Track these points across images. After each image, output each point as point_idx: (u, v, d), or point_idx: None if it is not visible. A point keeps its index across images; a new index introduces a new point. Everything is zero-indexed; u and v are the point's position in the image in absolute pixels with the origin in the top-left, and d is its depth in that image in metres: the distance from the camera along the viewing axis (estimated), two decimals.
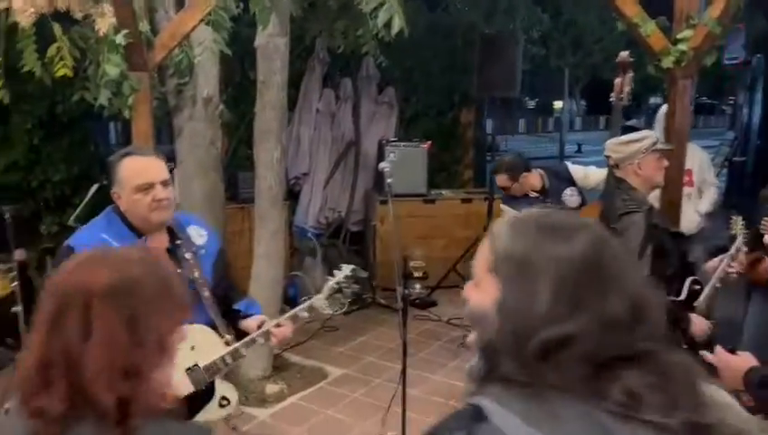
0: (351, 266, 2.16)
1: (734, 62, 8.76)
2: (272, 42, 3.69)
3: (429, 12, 6.39)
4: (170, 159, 3.86)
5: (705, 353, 1.86)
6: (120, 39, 2.94)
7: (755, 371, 1.72)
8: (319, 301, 2.10)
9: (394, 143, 5.59)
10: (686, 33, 3.57)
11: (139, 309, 1.03)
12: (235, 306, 2.20)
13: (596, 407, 0.82)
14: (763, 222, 3.07)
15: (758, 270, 3.41)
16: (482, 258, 0.97)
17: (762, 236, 3.14)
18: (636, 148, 2.59)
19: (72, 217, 3.51)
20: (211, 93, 3.83)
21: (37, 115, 4.74)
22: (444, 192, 6.04)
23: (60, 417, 0.98)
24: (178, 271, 1.98)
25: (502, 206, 4.12)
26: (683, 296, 2.61)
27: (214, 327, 2.04)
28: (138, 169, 1.98)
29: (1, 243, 3.72)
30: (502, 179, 3.96)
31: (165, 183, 1.98)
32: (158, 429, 1.02)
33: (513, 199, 3.94)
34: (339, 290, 2.12)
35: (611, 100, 3.19)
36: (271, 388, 3.94)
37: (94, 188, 3.53)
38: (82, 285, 1.02)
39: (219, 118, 3.92)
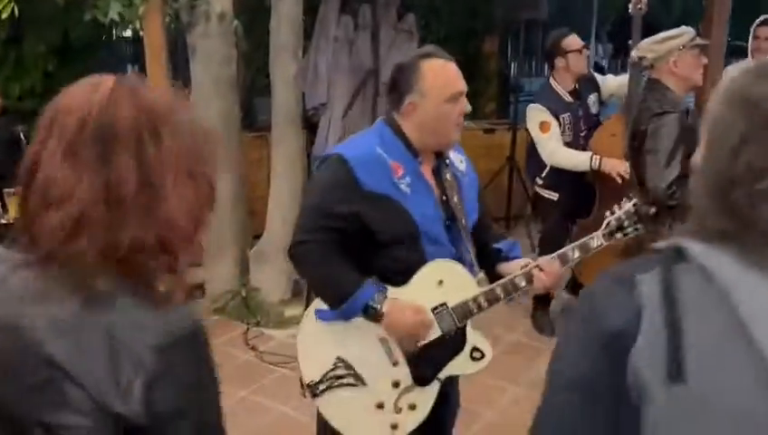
0: (633, 201, 1.84)
1: None
2: None
3: None
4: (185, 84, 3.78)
5: None
6: None
7: None
8: (596, 240, 1.80)
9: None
10: None
11: (197, 147, 0.87)
12: (495, 245, 1.93)
13: None
14: None
15: None
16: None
17: None
18: (673, 45, 2.44)
19: None
20: (225, 9, 3.70)
21: (51, 41, 4.67)
22: (466, 122, 5.88)
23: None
24: (444, 197, 1.82)
25: (534, 107, 3.68)
26: None
27: (464, 263, 1.81)
28: (449, 75, 1.73)
29: (16, 165, 3.70)
30: (574, 41, 3.61)
31: None
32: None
33: (549, 100, 3.67)
34: (619, 228, 1.81)
35: (630, 11, 3.08)
36: (290, 311, 3.94)
37: None
38: (144, 109, 0.84)
39: (234, 35, 3.80)
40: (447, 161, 1.85)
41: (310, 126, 5.83)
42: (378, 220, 1.72)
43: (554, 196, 3.72)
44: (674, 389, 0.72)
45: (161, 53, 3.17)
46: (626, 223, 1.80)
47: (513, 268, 1.84)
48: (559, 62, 3.61)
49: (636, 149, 2.55)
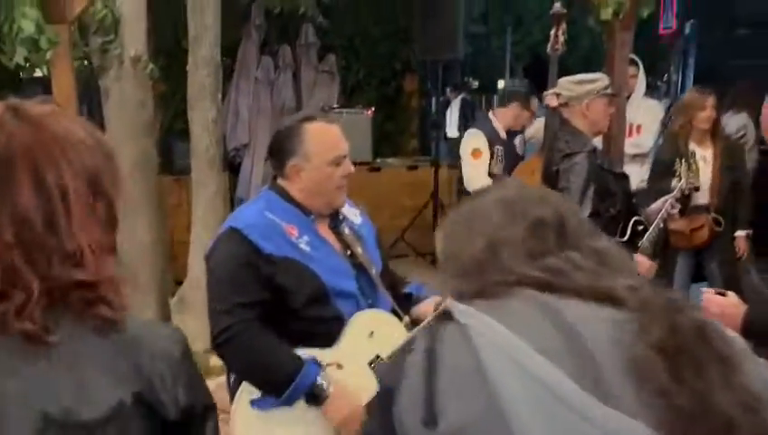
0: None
1: (669, 31, 9.03)
2: None
3: None
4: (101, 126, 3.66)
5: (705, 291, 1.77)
6: None
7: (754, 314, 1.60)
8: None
9: (336, 110, 5.47)
10: None
11: (99, 168, 0.84)
12: (404, 291, 1.95)
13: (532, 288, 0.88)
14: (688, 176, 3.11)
15: (694, 234, 3.51)
16: None
17: (689, 194, 3.20)
18: (588, 88, 2.56)
19: None
20: (139, 52, 3.61)
21: None
22: (389, 160, 5.97)
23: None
24: (348, 251, 1.79)
25: (474, 132, 3.82)
26: (627, 237, 2.61)
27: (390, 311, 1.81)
28: (332, 139, 1.73)
29: None
30: (515, 109, 3.81)
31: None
32: (136, 324, 0.86)
33: (486, 129, 3.79)
34: None
35: (548, 51, 3.23)
36: (215, 360, 3.80)
37: None
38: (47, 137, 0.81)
39: (150, 79, 3.72)
40: (341, 217, 1.84)
41: (232, 168, 5.77)
42: (289, 283, 1.68)
43: None
44: (430, 433, 0.80)
45: (71, 98, 3.05)
46: None
47: (427, 308, 1.84)
48: (516, 108, 3.82)
49: (550, 189, 2.64)
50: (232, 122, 5.63)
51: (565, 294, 0.86)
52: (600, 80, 2.63)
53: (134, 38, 3.61)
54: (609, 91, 2.61)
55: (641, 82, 4.27)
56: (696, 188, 3.33)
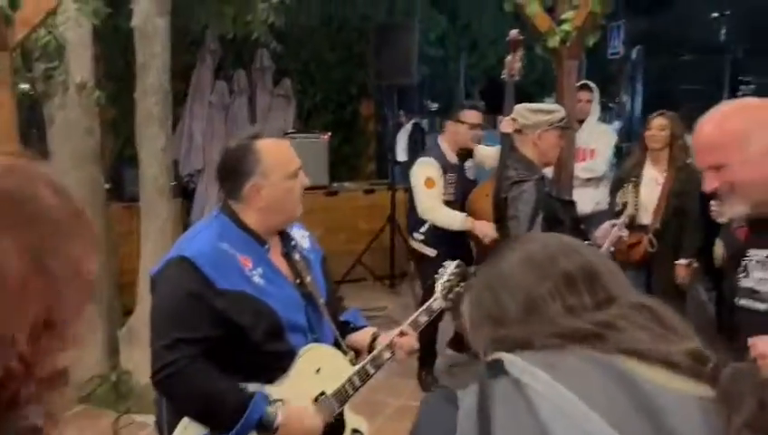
0: (456, 262, 1.93)
1: (616, 56, 9.34)
2: (150, 22, 3.47)
3: (324, 3, 6.30)
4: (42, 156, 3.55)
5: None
6: None
7: None
8: (437, 302, 1.88)
9: (292, 135, 5.44)
10: (569, 13, 3.68)
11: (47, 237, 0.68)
12: (343, 318, 1.91)
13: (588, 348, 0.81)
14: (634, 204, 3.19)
15: (631, 250, 3.59)
16: None
17: (634, 218, 3.29)
18: (543, 119, 2.60)
19: None
20: (85, 79, 3.54)
21: None
22: (346, 184, 5.95)
23: None
24: (298, 280, 1.74)
25: (425, 160, 3.72)
26: None
27: (332, 343, 1.78)
28: (286, 152, 1.70)
29: None
30: (473, 116, 3.76)
31: None
32: None
33: (438, 157, 3.74)
34: (450, 289, 1.90)
35: (503, 77, 3.23)
36: None
37: None
38: None
39: (96, 106, 3.64)
40: (293, 242, 1.80)
41: (186, 194, 5.67)
42: (244, 320, 1.62)
43: (433, 252, 3.70)
44: None
45: (12, 126, 2.95)
46: (456, 282, 1.90)
47: (362, 338, 1.85)
48: (451, 126, 3.73)
49: (500, 216, 2.66)
50: (186, 147, 5.55)
51: (627, 356, 0.78)
52: (556, 112, 2.67)
53: (80, 64, 3.54)
54: (563, 124, 2.64)
55: (596, 108, 4.36)
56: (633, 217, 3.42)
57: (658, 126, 3.60)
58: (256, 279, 1.66)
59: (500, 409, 0.76)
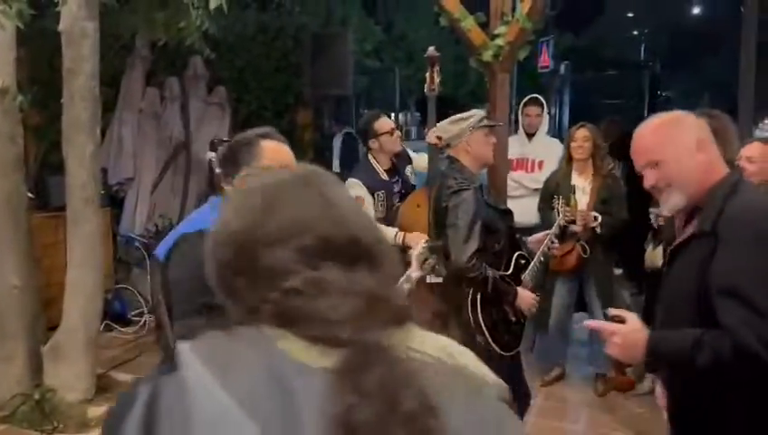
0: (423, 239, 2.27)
1: (546, 70, 9.74)
2: (78, 25, 3.35)
3: (260, 12, 6.25)
4: None
5: (593, 324, 1.75)
6: None
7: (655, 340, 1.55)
8: (415, 272, 2.16)
9: (227, 143, 5.35)
10: (502, 28, 3.81)
11: None
12: None
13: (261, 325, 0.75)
14: (565, 212, 3.32)
15: (564, 259, 3.73)
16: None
17: (565, 227, 3.42)
18: (464, 126, 2.66)
19: None
20: (7, 83, 3.38)
21: None
22: None
23: None
24: None
25: (351, 181, 3.63)
26: (510, 271, 2.71)
27: None
28: (284, 158, 1.79)
29: None
30: (385, 123, 3.70)
31: None
32: None
33: (366, 175, 3.73)
34: (425, 259, 2.21)
35: (426, 93, 3.33)
36: (94, 411, 3.55)
37: None
38: None
39: (19, 111, 3.48)
40: None
41: (115, 202, 5.49)
42: None
43: None
44: None
45: None
46: (427, 254, 2.23)
47: None
48: (372, 143, 3.69)
49: (439, 225, 2.71)
50: (115, 155, 5.38)
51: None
52: (473, 115, 2.74)
53: (2, 68, 3.39)
54: (484, 123, 2.72)
55: (545, 121, 4.49)
56: (573, 222, 3.54)
57: (582, 137, 3.77)
58: None
59: (163, 407, 0.70)
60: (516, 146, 4.50)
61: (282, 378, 0.69)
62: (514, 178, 4.35)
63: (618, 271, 6.29)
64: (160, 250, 1.81)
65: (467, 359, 0.79)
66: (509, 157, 4.40)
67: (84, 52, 3.40)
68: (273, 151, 1.79)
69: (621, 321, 1.60)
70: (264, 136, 1.83)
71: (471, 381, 0.75)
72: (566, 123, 9.34)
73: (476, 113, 2.78)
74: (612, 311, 1.66)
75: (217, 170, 1.93)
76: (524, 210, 3.97)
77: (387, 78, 14.25)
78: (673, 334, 1.58)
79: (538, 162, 4.36)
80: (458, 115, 2.75)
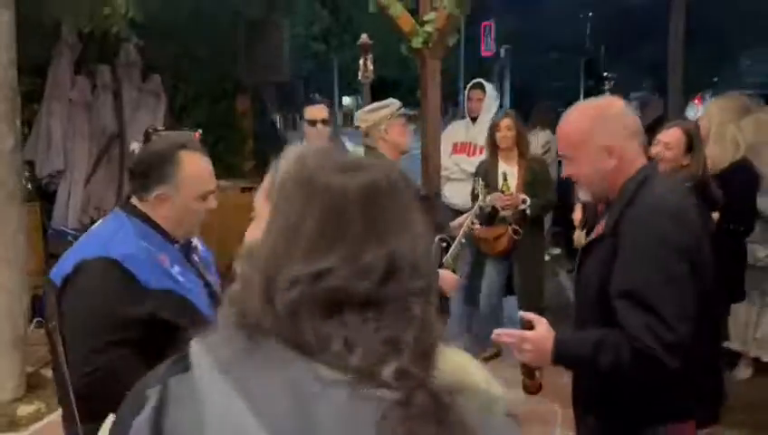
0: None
1: (489, 54, 9.85)
2: None
3: None
4: None
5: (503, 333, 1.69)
6: None
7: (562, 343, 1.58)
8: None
9: (163, 132, 5.25)
10: (431, 15, 3.85)
11: None
12: None
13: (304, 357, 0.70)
14: (488, 198, 3.40)
15: (495, 242, 3.82)
16: (262, 189, 0.91)
17: (486, 208, 3.49)
18: (382, 114, 2.69)
19: None
20: None
21: None
22: (221, 182, 5.82)
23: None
24: (203, 281, 1.72)
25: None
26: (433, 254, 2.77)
27: None
28: (205, 172, 1.67)
29: None
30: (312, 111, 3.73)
31: None
32: None
33: None
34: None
35: (360, 79, 3.37)
36: (24, 409, 3.48)
37: None
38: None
39: None
40: (193, 244, 1.81)
41: (45, 196, 5.33)
42: (174, 318, 1.57)
43: None
44: None
45: None
46: None
47: None
48: (307, 129, 3.77)
49: None
50: (44, 147, 5.21)
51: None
52: (391, 104, 2.78)
53: None
54: (402, 111, 2.76)
55: (488, 106, 4.51)
56: (495, 208, 3.63)
57: (506, 126, 3.85)
58: (178, 277, 1.66)
59: (173, 415, 0.69)
60: (462, 130, 4.57)
61: (299, 387, 0.67)
62: (455, 160, 4.42)
63: (557, 250, 6.50)
64: (57, 273, 1.63)
65: (480, 376, 0.80)
66: (454, 141, 4.48)
67: (1, 39, 3.29)
68: (193, 166, 1.65)
69: (532, 327, 1.61)
70: (183, 147, 1.65)
71: (484, 399, 0.75)
72: (506, 105, 9.50)
73: (393, 102, 2.81)
74: (525, 315, 1.66)
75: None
76: (462, 193, 4.05)
77: (332, 62, 14.19)
78: (577, 337, 1.64)
79: (479, 147, 4.44)
80: (376, 103, 2.78)
